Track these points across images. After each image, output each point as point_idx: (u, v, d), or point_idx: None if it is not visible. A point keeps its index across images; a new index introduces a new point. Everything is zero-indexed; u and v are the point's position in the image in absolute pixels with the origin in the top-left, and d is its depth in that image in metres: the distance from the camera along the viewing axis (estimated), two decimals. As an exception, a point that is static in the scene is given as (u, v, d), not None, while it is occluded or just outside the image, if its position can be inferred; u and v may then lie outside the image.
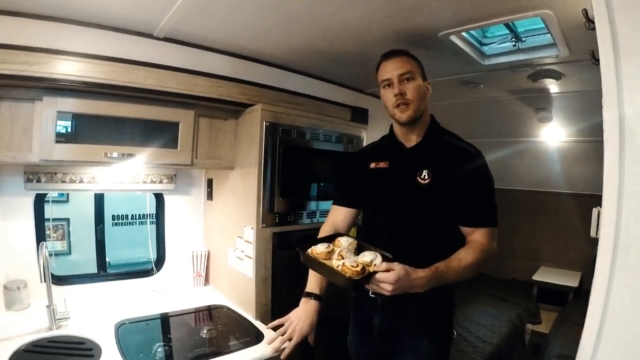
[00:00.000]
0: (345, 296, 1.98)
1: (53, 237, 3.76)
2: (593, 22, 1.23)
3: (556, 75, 2.63)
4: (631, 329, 0.81)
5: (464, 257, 1.53)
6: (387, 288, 1.37)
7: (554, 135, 4.01)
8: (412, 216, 1.68)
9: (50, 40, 1.87)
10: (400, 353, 1.73)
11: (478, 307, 4.05)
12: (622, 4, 0.79)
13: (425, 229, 1.67)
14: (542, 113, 3.55)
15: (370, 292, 1.68)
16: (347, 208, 1.96)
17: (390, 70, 1.67)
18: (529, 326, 3.98)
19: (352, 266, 1.41)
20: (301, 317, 1.75)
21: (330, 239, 1.67)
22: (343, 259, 1.49)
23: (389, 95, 1.69)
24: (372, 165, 1.85)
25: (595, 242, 1.47)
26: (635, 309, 0.81)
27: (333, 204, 2.02)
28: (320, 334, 1.71)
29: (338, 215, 1.97)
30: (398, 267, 1.38)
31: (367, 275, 1.40)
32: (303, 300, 1.80)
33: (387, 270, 1.38)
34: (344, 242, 1.61)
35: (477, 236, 1.60)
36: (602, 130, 1.46)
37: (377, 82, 1.78)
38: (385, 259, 1.48)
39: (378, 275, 1.39)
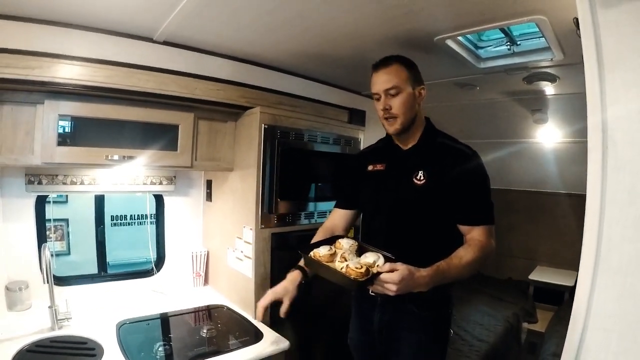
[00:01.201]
0: (345, 294, 2.00)
1: (52, 237, 3.77)
2: (583, 29, 1.26)
3: (551, 78, 2.65)
4: (614, 326, 0.84)
5: (464, 255, 1.56)
6: (391, 288, 1.39)
7: (549, 136, 4.02)
8: (409, 217, 1.71)
9: (53, 44, 1.88)
10: (399, 350, 1.76)
11: (475, 306, 4.07)
12: (607, 20, 0.81)
13: (422, 230, 1.69)
14: (538, 114, 3.57)
15: (370, 290, 1.71)
16: (346, 210, 2.00)
17: (377, 84, 1.71)
18: (525, 325, 4.01)
19: (356, 268, 1.43)
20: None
21: (330, 241, 1.69)
22: (346, 260, 1.51)
23: (377, 107, 1.74)
24: (370, 167, 1.88)
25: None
26: (616, 310, 0.84)
27: (334, 206, 2.06)
28: (320, 332, 1.74)
29: (336, 217, 2.01)
30: (402, 267, 1.40)
31: (371, 277, 1.41)
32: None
33: (391, 271, 1.40)
34: (345, 243, 1.63)
35: (475, 234, 1.63)
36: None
37: None
38: (387, 259, 1.50)
39: (382, 276, 1.40)
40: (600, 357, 0.85)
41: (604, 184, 0.83)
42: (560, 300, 4.26)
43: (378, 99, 1.73)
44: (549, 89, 2.93)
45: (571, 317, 0.88)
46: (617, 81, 0.82)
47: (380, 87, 1.70)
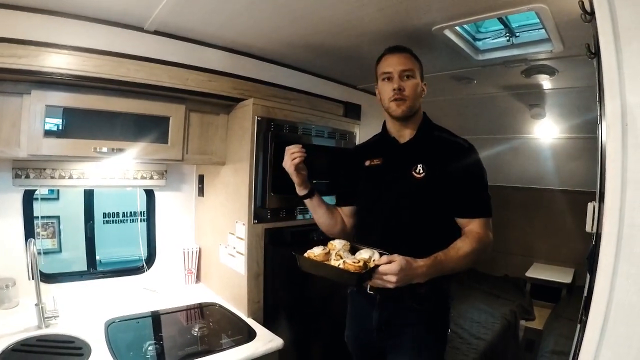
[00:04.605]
0: (339, 293, 1.97)
1: (43, 235, 3.70)
2: (589, 14, 1.22)
3: (550, 71, 2.62)
4: (637, 320, 0.79)
5: (461, 246, 1.57)
6: (391, 279, 1.39)
7: (547, 131, 4.02)
8: (409, 211, 1.70)
9: (40, 33, 1.83)
10: (398, 346, 1.75)
11: (471, 303, 4.06)
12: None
13: (421, 223, 1.69)
14: (535, 109, 3.55)
15: (369, 288, 1.70)
16: (345, 207, 2.00)
17: (393, 64, 1.71)
18: (523, 322, 4.01)
19: (354, 262, 1.43)
20: None
21: (322, 243, 1.69)
22: (342, 258, 1.51)
23: (386, 89, 1.72)
24: (367, 162, 1.87)
25: (589, 237, 1.46)
26: (640, 300, 0.80)
27: (336, 204, 2.05)
28: (314, 331, 1.71)
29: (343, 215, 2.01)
30: (399, 258, 1.40)
31: (370, 269, 1.41)
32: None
33: (388, 263, 1.40)
34: (337, 244, 1.64)
35: (473, 227, 1.64)
36: (596, 126, 1.45)
37: (375, 74, 1.81)
38: (381, 255, 1.49)
39: (381, 268, 1.40)
40: (621, 354, 0.80)
41: (624, 164, 0.78)
42: (558, 297, 4.27)
43: (389, 79, 1.72)
44: (547, 82, 2.91)
45: (590, 310, 0.84)
46: (634, 55, 0.78)
47: (396, 68, 1.70)
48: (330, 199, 2.06)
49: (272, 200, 2.33)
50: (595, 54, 1.33)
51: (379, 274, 1.40)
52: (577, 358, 0.86)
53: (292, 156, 1.81)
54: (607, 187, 0.81)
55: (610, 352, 0.81)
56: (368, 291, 1.73)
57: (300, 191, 1.89)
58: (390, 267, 1.38)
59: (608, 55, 0.80)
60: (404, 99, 1.69)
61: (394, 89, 1.69)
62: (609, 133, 0.81)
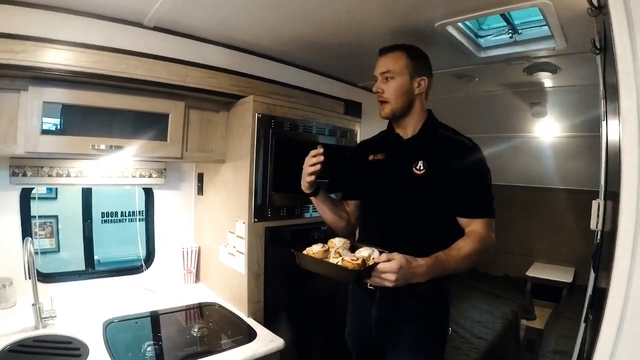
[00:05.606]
0: (340, 292, 1.95)
1: (41, 234, 3.68)
2: (596, 8, 1.20)
3: (552, 69, 2.61)
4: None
5: (462, 246, 1.55)
6: (390, 278, 1.36)
7: (548, 130, 4.01)
8: (407, 207, 1.69)
9: (38, 28, 1.81)
10: (398, 344, 1.74)
11: (472, 303, 4.06)
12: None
13: (420, 221, 1.67)
14: (537, 108, 3.54)
15: (369, 284, 1.66)
16: (353, 200, 1.99)
17: (377, 68, 1.76)
18: (524, 322, 4.01)
19: (352, 260, 1.41)
20: None
21: (322, 241, 1.68)
22: (340, 255, 1.50)
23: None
24: (371, 157, 1.88)
25: (591, 236, 1.45)
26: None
27: (341, 198, 2.05)
28: (315, 331, 1.69)
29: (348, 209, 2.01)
30: (398, 257, 1.37)
31: (369, 267, 1.39)
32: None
33: (388, 261, 1.37)
34: (337, 242, 1.63)
35: (475, 227, 1.61)
36: (598, 125, 1.43)
37: None
38: (381, 254, 1.46)
39: (380, 265, 1.37)
40: (637, 354, 0.78)
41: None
42: (558, 296, 4.27)
43: (375, 82, 1.76)
44: (548, 80, 2.90)
45: (606, 309, 0.81)
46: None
47: (377, 71, 1.75)
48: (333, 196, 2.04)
49: (273, 199, 2.31)
50: (601, 49, 1.32)
51: (378, 272, 1.38)
52: (592, 358, 0.83)
53: (310, 169, 1.78)
54: (622, 183, 0.79)
55: (626, 351, 0.79)
56: (368, 287, 1.70)
57: (307, 189, 1.86)
58: (389, 266, 1.36)
59: (623, 48, 0.78)
60: (385, 101, 1.72)
61: (375, 91, 1.75)
62: (624, 127, 0.78)
